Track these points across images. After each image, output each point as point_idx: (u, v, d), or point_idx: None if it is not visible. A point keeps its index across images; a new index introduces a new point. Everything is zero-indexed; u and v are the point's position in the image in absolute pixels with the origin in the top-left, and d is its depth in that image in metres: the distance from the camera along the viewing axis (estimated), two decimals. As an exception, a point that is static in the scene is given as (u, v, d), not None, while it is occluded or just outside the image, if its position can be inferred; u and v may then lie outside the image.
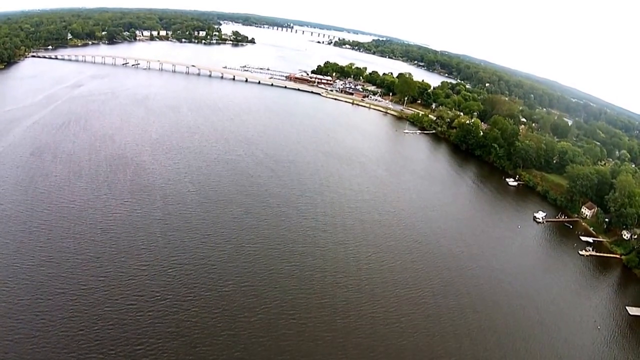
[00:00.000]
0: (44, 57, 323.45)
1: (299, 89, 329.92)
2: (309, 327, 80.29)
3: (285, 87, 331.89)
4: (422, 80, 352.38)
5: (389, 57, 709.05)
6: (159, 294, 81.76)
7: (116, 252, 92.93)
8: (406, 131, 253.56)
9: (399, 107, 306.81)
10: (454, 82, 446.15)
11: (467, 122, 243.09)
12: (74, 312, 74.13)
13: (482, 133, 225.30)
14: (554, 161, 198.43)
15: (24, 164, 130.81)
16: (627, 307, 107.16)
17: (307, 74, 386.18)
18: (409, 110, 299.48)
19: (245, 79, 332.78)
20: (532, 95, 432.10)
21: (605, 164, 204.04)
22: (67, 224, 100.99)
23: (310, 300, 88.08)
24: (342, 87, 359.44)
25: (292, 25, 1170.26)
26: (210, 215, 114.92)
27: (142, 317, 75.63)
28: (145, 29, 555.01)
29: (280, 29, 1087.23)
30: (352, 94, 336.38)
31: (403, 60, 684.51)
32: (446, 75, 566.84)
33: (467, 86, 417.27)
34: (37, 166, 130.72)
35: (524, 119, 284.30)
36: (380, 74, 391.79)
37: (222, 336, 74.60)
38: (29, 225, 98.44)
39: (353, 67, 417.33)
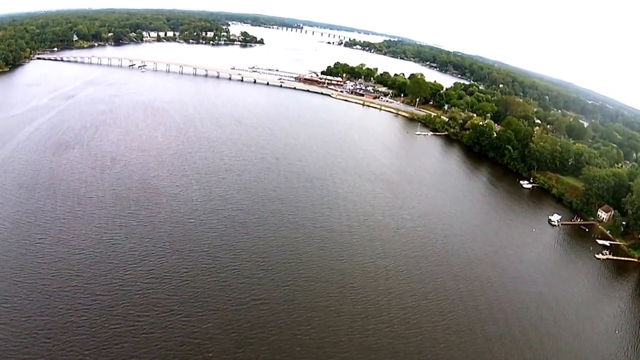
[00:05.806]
0: (50, 60, 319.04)
1: (308, 90, 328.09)
2: (326, 342, 77.80)
3: (295, 88, 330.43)
4: (435, 81, 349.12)
5: (401, 58, 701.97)
6: (167, 307, 79.44)
7: (122, 263, 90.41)
8: (418, 133, 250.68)
9: (410, 109, 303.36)
10: (467, 83, 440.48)
11: (481, 123, 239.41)
12: (79, 326, 71.92)
13: (495, 134, 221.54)
14: (570, 163, 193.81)
15: (26, 171, 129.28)
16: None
17: (317, 75, 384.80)
18: (421, 112, 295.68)
19: (253, 80, 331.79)
20: (547, 97, 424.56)
21: (622, 166, 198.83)
22: (71, 234, 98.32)
23: (329, 312, 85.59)
24: (352, 88, 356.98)
25: (301, 25, 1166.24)
26: (220, 224, 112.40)
27: (153, 328, 73.84)
28: (152, 30, 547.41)
29: (289, 29, 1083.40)
30: (362, 95, 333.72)
31: (415, 61, 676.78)
32: (459, 76, 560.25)
33: (480, 87, 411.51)
34: (41, 171, 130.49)
35: (538, 121, 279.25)
36: (392, 75, 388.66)
37: (229, 348, 72.78)
38: (31, 234, 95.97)
39: (364, 68, 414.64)
